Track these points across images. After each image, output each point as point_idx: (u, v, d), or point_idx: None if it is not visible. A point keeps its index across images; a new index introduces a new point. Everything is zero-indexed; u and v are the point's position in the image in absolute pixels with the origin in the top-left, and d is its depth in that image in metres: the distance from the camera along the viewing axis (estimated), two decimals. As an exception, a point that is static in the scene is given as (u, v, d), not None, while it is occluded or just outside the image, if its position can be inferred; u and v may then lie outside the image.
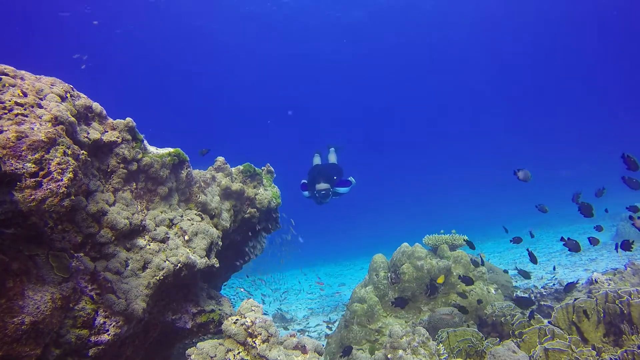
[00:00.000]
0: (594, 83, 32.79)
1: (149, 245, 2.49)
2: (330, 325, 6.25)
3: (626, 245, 3.80)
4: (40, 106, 1.87)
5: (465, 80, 32.31)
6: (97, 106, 2.40)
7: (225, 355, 2.31)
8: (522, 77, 32.66)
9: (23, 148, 1.61)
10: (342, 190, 6.06)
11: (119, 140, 2.48)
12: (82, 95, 2.32)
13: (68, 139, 1.89)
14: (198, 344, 2.36)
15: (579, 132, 39.14)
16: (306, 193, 6.23)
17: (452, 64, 29.14)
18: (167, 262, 2.47)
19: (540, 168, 37.05)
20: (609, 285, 4.31)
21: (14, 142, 1.60)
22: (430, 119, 40.53)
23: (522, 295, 4.43)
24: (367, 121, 39.71)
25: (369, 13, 21.22)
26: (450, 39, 24.76)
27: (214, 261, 2.89)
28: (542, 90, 35.24)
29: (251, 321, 2.39)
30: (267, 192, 4.01)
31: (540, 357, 3.19)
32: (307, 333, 7.29)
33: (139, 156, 2.59)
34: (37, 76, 2.12)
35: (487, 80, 32.71)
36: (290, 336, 2.56)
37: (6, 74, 1.92)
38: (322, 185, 5.76)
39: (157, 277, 2.38)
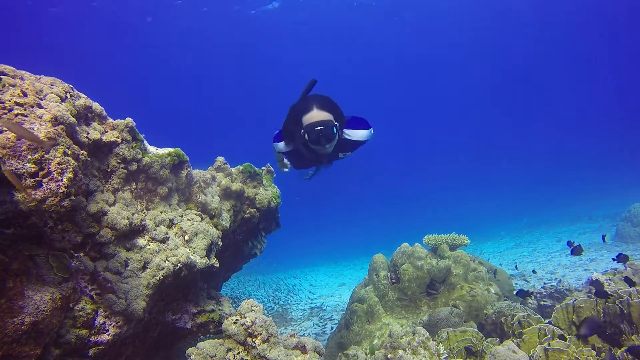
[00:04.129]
0: (591, 81, 32.82)
1: (149, 245, 2.49)
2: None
3: (577, 250, 4.16)
4: (40, 106, 1.87)
5: (464, 79, 32.34)
6: (97, 106, 2.40)
7: (226, 355, 2.31)
8: (519, 76, 32.68)
9: (23, 148, 1.61)
10: (359, 134, 2.86)
11: (119, 140, 2.48)
12: (82, 95, 2.32)
13: (68, 139, 1.89)
14: (198, 344, 2.36)
15: (579, 131, 39.17)
16: (282, 145, 2.94)
17: (450, 63, 29.16)
18: (167, 262, 2.47)
19: (540, 167, 37.10)
20: (609, 285, 4.30)
21: (14, 142, 1.60)
22: (429, 118, 40.55)
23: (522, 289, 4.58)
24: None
25: (361, 12, 21.23)
26: (441, 35, 24.76)
27: (214, 261, 2.89)
28: (540, 88, 35.24)
29: (251, 321, 2.39)
30: (267, 192, 4.01)
31: (540, 357, 3.19)
32: (306, 333, 7.30)
33: (139, 156, 2.59)
34: (37, 76, 2.12)
35: (486, 79, 32.73)
36: (290, 336, 2.56)
37: (6, 74, 1.92)
38: (317, 115, 2.55)
39: (157, 277, 2.38)
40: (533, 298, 5.40)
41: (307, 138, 2.57)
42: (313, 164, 3.14)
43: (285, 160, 3.17)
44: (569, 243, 5.21)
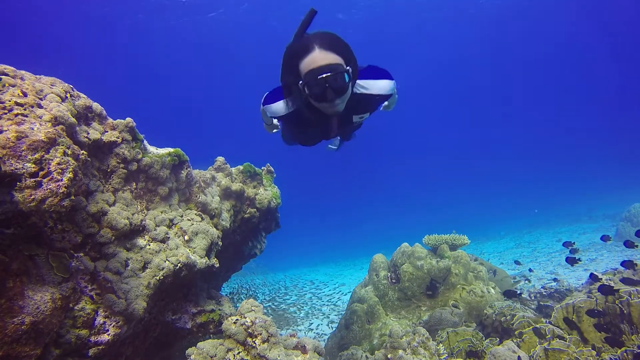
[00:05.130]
0: (592, 81, 32.82)
1: (149, 245, 2.49)
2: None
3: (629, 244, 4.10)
4: (40, 106, 1.87)
5: (464, 76, 32.32)
6: (97, 106, 2.40)
7: (225, 354, 2.31)
8: (520, 75, 32.68)
9: (23, 148, 1.61)
10: (378, 86, 2.12)
11: (119, 140, 2.48)
12: (82, 95, 2.32)
13: (68, 139, 1.89)
14: (198, 344, 2.36)
15: (579, 131, 39.19)
16: (277, 108, 2.14)
17: (450, 61, 29.15)
18: (167, 262, 2.47)
19: (540, 168, 37.13)
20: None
21: (14, 142, 1.60)
22: (430, 118, 40.55)
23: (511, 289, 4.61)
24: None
25: (374, 9, 21.22)
26: (444, 34, 24.77)
27: (214, 261, 2.89)
28: (541, 88, 35.23)
29: (251, 321, 2.39)
30: (267, 192, 4.01)
31: (540, 357, 3.19)
32: (306, 333, 7.30)
33: (139, 156, 2.59)
34: (37, 76, 2.12)
35: (487, 78, 32.73)
36: (290, 336, 2.56)
37: (6, 74, 1.92)
38: (321, 57, 1.78)
39: (157, 277, 2.38)
40: (533, 298, 5.39)
41: (307, 92, 1.83)
42: (320, 135, 2.34)
43: (275, 121, 2.38)
44: (565, 244, 5.22)
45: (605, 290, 3.64)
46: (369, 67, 2.13)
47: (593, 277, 4.23)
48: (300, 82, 1.85)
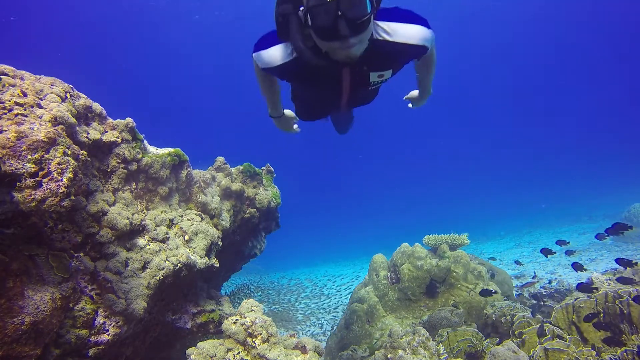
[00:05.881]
0: (594, 82, 32.83)
1: (149, 245, 2.49)
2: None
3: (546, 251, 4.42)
4: (40, 106, 1.87)
5: (465, 76, 32.31)
6: (97, 106, 2.40)
7: (225, 354, 2.30)
8: (520, 73, 32.68)
9: (23, 148, 1.61)
10: (408, 32, 1.44)
11: (119, 140, 2.48)
12: (82, 95, 2.32)
13: (68, 139, 1.89)
14: (198, 344, 2.36)
15: (579, 131, 39.19)
16: (272, 54, 1.51)
17: (448, 60, 29.14)
18: (167, 262, 2.47)
19: (540, 168, 37.10)
20: (609, 285, 4.31)
21: (13, 142, 1.60)
22: (429, 118, 40.55)
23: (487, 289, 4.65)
24: (365, 119, 39.74)
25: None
26: (447, 33, 24.78)
27: (214, 261, 2.89)
28: (542, 89, 35.22)
29: (251, 321, 2.39)
30: (267, 192, 4.01)
31: (540, 357, 3.19)
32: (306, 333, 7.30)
33: (139, 156, 2.59)
34: (37, 76, 2.12)
35: (485, 76, 32.73)
36: (291, 336, 2.56)
37: (6, 74, 1.92)
38: None
39: (157, 277, 2.38)
40: (532, 298, 5.39)
41: (310, 23, 1.28)
42: (327, 101, 1.83)
43: (287, 112, 1.81)
44: (558, 242, 5.23)
45: (584, 288, 3.69)
46: (395, 8, 1.51)
47: (575, 267, 4.26)
48: (302, 8, 1.27)
